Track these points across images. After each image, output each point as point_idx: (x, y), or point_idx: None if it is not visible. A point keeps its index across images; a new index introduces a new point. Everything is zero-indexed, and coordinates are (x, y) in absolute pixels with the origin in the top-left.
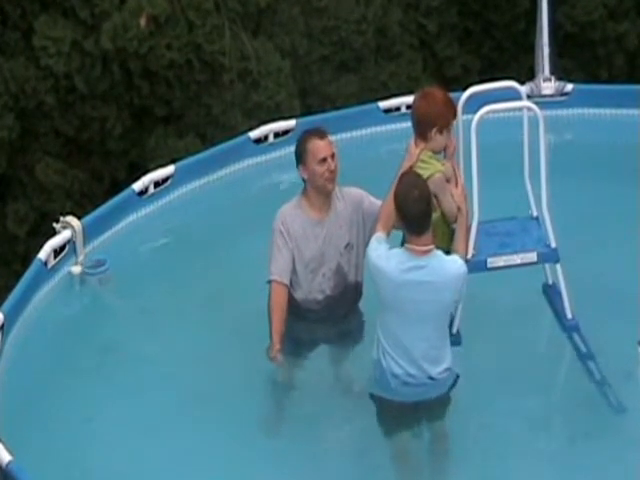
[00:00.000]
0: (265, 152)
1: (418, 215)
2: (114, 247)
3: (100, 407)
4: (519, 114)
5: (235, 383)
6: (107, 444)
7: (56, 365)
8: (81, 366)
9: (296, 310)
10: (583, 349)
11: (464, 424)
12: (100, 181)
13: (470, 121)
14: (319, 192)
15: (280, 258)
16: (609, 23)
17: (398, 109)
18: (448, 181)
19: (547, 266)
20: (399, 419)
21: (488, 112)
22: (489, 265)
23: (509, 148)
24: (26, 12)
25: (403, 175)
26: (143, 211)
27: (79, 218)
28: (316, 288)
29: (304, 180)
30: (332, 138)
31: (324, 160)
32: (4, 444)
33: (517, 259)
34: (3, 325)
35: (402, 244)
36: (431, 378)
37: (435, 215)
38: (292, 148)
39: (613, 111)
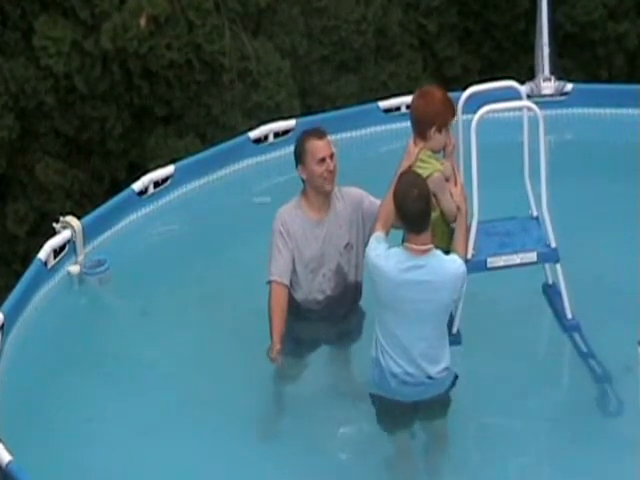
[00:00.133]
0: (265, 152)
1: (417, 214)
2: (114, 247)
3: (100, 407)
4: (519, 114)
5: (235, 383)
6: (107, 444)
7: (56, 365)
8: (81, 366)
9: (296, 310)
10: (583, 349)
11: (464, 424)
12: (100, 181)
13: (470, 121)
14: (318, 192)
15: (280, 258)
16: (609, 23)
17: (398, 109)
18: (447, 180)
19: (547, 266)
20: (398, 419)
21: (488, 112)
22: (489, 265)
23: (509, 148)
24: (26, 12)
25: (402, 174)
26: (143, 211)
27: (79, 218)
28: (316, 288)
29: (303, 180)
30: (332, 138)
31: (323, 160)
32: (4, 444)
33: (517, 259)
34: (3, 325)
35: (402, 243)
36: (430, 377)
37: (434, 214)
38: (292, 148)
39: (613, 111)
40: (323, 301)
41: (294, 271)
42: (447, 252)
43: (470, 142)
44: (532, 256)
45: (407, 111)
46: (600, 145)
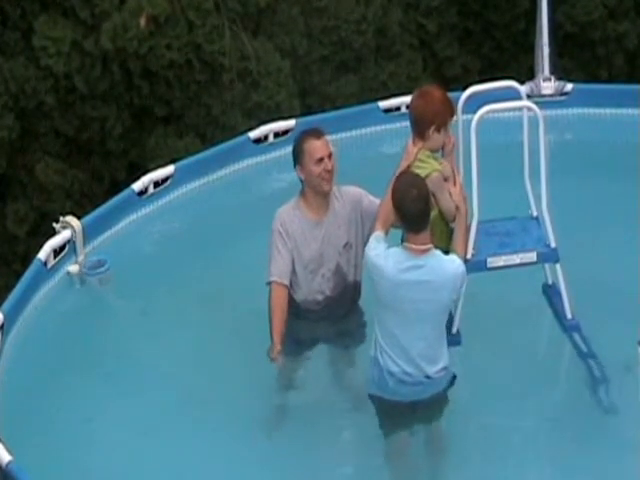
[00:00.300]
0: (265, 152)
1: (417, 214)
2: (114, 247)
3: (100, 407)
4: (519, 114)
5: (235, 383)
6: (107, 444)
7: (56, 365)
8: (81, 366)
9: (296, 310)
10: (583, 349)
11: (464, 424)
12: (100, 181)
13: (470, 121)
14: (316, 192)
15: (280, 259)
16: (609, 23)
17: (398, 109)
18: (446, 180)
19: (547, 266)
20: (397, 419)
21: (488, 112)
22: (489, 265)
23: (509, 148)
24: (26, 12)
25: (400, 175)
26: (143, 211)
27: (79, 218)
28: (316, 289)
29: (301, 181)
30: (332, 138)
31: (321, 160)
32: (4, 444)
33: (517, 259)
34: (3, 325)
35: (402, 243)
36: (428, 377)
37: (433, 214)
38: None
39: (613, 111)
40: (322, 301)
41: (293, 272)
42: (446, 252)
43: (470, 142)
44: (532, 256)
45: (407, 111)
46: (600, 145)
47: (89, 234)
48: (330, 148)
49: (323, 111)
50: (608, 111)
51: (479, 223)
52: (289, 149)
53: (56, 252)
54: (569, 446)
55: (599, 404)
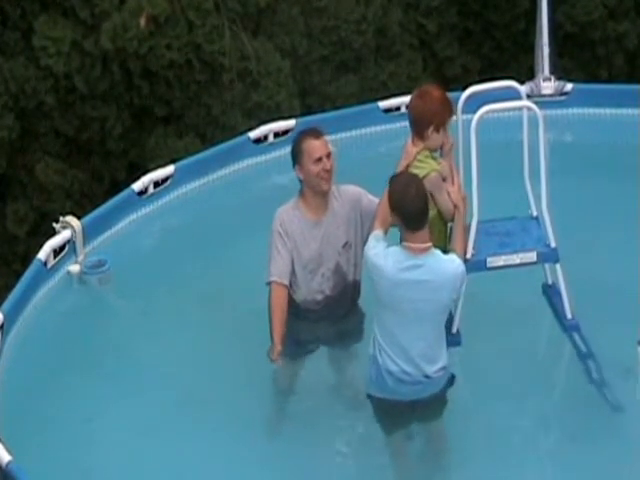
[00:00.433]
0: (265, 152)
1: (416, 212)
2: (114, 247)
3: (100, 407)
4: (519, 113)
5: (235, 383)
6: (107, 444)
7: (56, 365)
8: (81, 366)
9: (296, 311)
10: (583, 349)
11: (464, 424)
12: (100, 181)
13: (470, 121)
14: (315, 192)
15: (279, 259)
16: (609, 23)
17: (398, 109)
18: (444, 180)
19: (547, 266)
20: (396, 419)
21: (488, 112)
22: (489, 265)
23: (509, 148)
24: (26, 12)
25: (396, 175)
26: (143, 211)
27: (79, 218)
28: (315, 289)
29: (300, 181)
30: (332, 138)
31: (320, 159)
32: (4, 444)
33: (517, 259)
34: (3, 325)
35: (400, 243)
36: (427, 376)
37: (431, 213)
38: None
39: (613, 111)
40: (322, 301)
41: (293, 272)
42: (444, 251)
43: (470, 142)
44: (532, 256)
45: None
46: (600, 145)
47: (89, 234)
48: (329, 148)
49: (323, 111)
50: (608, 111)
51: (479, 223)
52: (289, 149)
53: (56, 252)
54: (569, 446)
55: (599, 404)
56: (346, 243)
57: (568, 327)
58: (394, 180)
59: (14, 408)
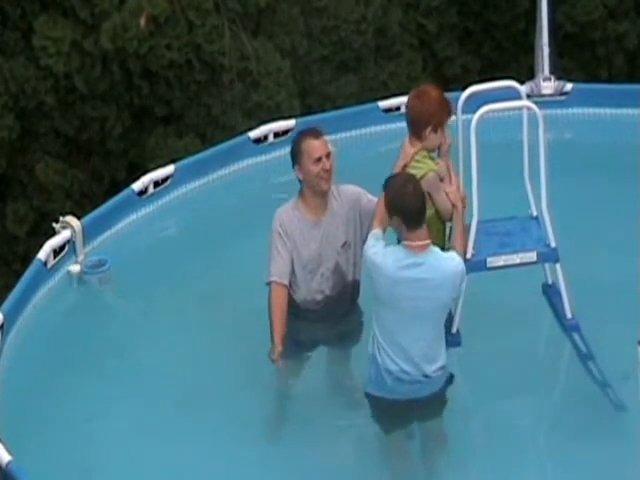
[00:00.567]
0: (265, 152)
1: (415, 209)
2: (114, 247)
3: (100, 407)
4: (519, 113)
5: (235, 383)
6: (107, 444)
7: (56, 365)
8: (81, 366)
9: (295, 311)
10: (583, 349)
11: (463, 424)
12: (100, 181)
13: (470, 121)
14: (315, 192)
15: (279, 259)
16: (609, 23)
17: (398, 109)
18: (442, 180)
19: (547, 266)
20: (395, 418)
21: (488, 111)
22: (489, 265)
23: (509, 148)
24: (26, 12)
25: (392, 176)
26: (143, 211)
27: (79, 218)
28: (315, 289)
29: (300, 181)
30: (332, 138)
31: (319, 159)
32: (4, 444)
33: (517, 259)
34: (3, 325)
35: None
36: (426, 376)
37: (429, 212)
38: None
39: (613, 111)
40: (322, 301)
41: (292, 272)
42: (443, 250)
43: (470, 142)
44: (532, 256)
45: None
46: (600, 145)
47: (89, 234)
48: (328, 148)
49: (323, 111)
50: (608, 111)
51: (479, 223)
52: (289, 149)
53: (56, 252)
54: (569, 445)
55: (599, 403)
56: (345, 243)
57: (568, 327)
58: (391, 181)
59: (14, 408)
